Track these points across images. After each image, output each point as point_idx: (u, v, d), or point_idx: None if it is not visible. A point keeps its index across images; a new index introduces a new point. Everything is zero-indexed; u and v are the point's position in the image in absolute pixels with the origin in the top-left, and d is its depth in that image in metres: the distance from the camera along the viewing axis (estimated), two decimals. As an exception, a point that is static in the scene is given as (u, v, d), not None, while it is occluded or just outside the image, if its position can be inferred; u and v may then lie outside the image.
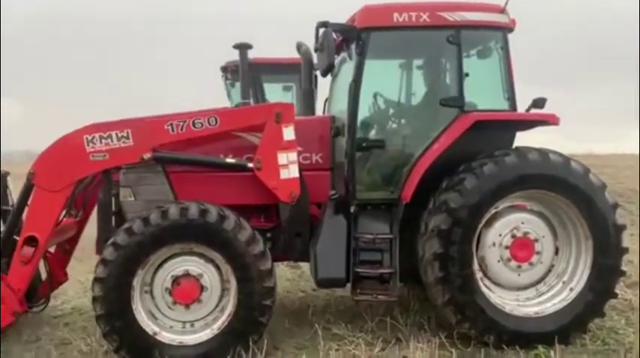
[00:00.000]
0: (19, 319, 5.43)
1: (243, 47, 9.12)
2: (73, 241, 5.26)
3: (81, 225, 5.22)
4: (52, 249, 5.15)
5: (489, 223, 4.51)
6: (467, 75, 4.68)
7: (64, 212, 4.60)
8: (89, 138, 4.33)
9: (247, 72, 9.25)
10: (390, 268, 4.54)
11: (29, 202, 4.44)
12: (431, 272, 4.38)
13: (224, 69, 10.32)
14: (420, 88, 5.36)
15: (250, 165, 4.50)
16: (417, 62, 5.36)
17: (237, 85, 9.88)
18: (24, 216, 4.53)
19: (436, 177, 4.51)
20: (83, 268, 7.66)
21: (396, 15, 4.61)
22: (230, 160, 4.56)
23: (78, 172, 4.42)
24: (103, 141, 4.33)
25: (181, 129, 4.45)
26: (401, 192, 4.68)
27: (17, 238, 4.41)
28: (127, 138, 4.36)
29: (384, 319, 4.86)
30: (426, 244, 4.39)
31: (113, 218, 4.64)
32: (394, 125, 5.37)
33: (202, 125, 4.47)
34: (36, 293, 5.00)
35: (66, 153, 4.36)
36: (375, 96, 5.20)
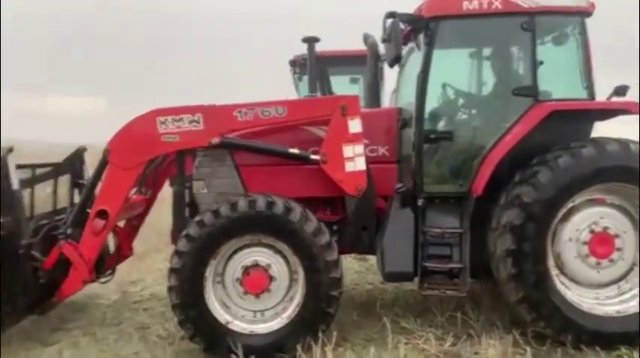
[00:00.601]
0: (103, 302, 5.83)
1: (311, 41, 9.19)
2: (141, 217, 5.57)
3: (149, 203, 5.51)
4: (120, 224, 5.44)
5: (565, 218, 4.31)
6: (541, 63, 4.48)
7: (134, 189, 4.86)
8: (162, 119, 4.51)
9: (315, 65, 9.32)
10: (460, 263, 4.44)
11: (103, 178, 4.69)
12: (503, 268, 4.24)
13: (292, 63, 10.45)
14: (490, 78, 5.18)
15: (313, 156, 4.54)
16: (488, 51, 5.19)
17: (305, 78, 9.98)
18: (97, 190, 4.78)
19: (508, 170, 4.36)
20: (160, 256, 8.07)
21: (465, 3, 4.48)
22: (293, 150, 4.61)
23: (149, 152, 4.63)
24: (175, 123, 4.51)
25: (249, 117, 4.56)
26: (471, 185, 4.56)
27: (89, 211, 4.67)
28: (198, 122, 4.51)
29: (454, 314, 4.77)
30: (498, 240, 4.26)
31: (187, 209, 4.84)
32: (463, 116, 5.23)
33: (270, 114, 4.56)
34: (103, 264, 5.28)
35: (139, 134, 4.57)
36: (443, 86, 5.08)
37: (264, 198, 4.29)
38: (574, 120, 4.48)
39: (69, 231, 4.63)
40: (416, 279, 4.55)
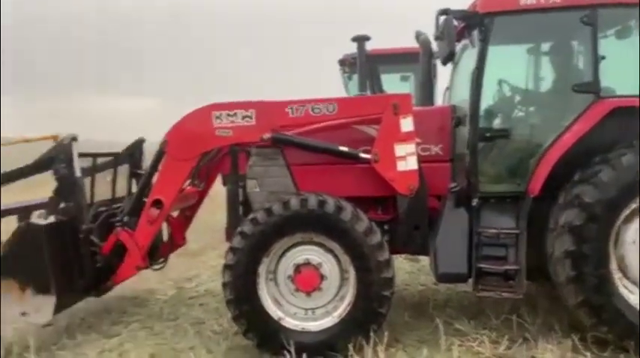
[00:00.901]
0: (161, 297, 6.03)
1: (361, 39, 9.17)
2: (194, 209, 5.71)
3: (202, 195, 5.65)
4: (174, 214, 5.62)
5: (629, 219, 4.11)
6: (603, 58, 4.30)
7: (188, 181, 4.99)
8: (217, 114, 4.62)
9: (365, 64, 9.30)
10: (516, 264, 4.32)
11: (159, 168, 4.85)
12: (562, 271, 4.10)
13: (342, 62, 10.46)
14: (548, 74, 5.03)
15: (364, 155, 4.52)
16: (546, 46, 5.03)
17: (355, 77, 9.98)
18: (154, 180, 4.94)
19: (567, 168, 4.20)
20: (215, 253, 8.28)
21: (522, -2, 4.35)
22: (343, 148, 4.61)
23: (204, 145, 4.75)
24: (229, 118, 4.61)
25: (300, 113, 4.61)
26: (528, 184, 4.42)
27: (146, 200, 4.84)
28: (251, 117, 4.60)
29: (509, 317, 4.65)
30: (557, 241, 4.12)
31: (240, 207, 4.94)
32: (520, 113, 5.09)
33: (320, 111, 4.60)
34: (157, 253, 5.46)
35: (195, 127, 4.69)
36: (499, 83, 4.96)
37: (315, 196, 4.31)
38: (637, 117, 4.27)
39: (126, 218, 4.83)
40: (470, 281, 4.46)
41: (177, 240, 5.72)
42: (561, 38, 4.83)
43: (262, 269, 4.35)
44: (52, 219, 4.64)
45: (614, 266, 4.12)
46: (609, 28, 4.56)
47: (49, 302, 4.41)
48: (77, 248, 4.67)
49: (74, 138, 4.71)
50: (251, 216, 4.40)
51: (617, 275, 4.13)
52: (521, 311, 4.81)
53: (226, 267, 4.34)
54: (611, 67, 4.36)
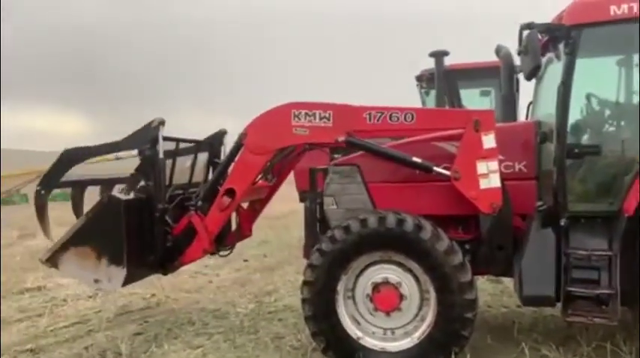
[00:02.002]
0: (241, 311, 6.19)
1: (439, 55, 9.09)
2: (263, 203, 5.84)
3: (272, 190, 5.78)
4: (244, 205, 5.75)
5: None
6: None
7: (261, 175, 5.11)
8: (296, 112, 4.69)
9: (443, 79, 9.20)
10: (609, 289, 4.05)
11: (236, 159, 4.97)
12: (660, 296, 3.81)
13: (419, 78, 10.41)
14: (641, 86, 4.71)
15: (437, 168, 4.46)
16: (638, 57, 4.72)
17: (432, 92, 9.88)
18: (229, 170, 5.08)
19: None
20: (292, 269, 8.42)
21: (613, 8, 4.13)
22: (417, 159, 4.55)
23: (280, 141, 4.84)
24: (307, 117, 4.67)
25: (378, 120, 4.61)
26: (622, 203, 4.16)
27: (220, 188, 4.98)
28: (328, 119, 4.64)
29: (602, 345, 4.37)
30: (655, 264, 3.84)
31: (318, 225, 4.99)
32: (611, 128, 4.80)
33: (398, 119, 4.58)
34: (224, 240, 5.59)
35: (274, 123, 4.78)
36: (587, 97, 4.72)
37: (394, 215, 4.29)
38: None
39: (199, 203, 4.99)
40: (558, 304, 4.24)
41: (244, 231, 5.85)
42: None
43: (341, 287, 4.36)
44: (131, 195, 4.91)
45: None
46: None
47: (120, 273, 4.64)
48: (151, 226, 4.89)
49: (162, 123, 4.93)
50: (329, 233, 4.44)
51: None
52: (616, 338, 4.50)
53: (305, 283, 4.39)
54: None
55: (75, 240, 4.76)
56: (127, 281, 4.79)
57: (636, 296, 4.11)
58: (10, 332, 5.68)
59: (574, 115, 4.52)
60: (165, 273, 5.32)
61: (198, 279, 8.10)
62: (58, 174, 5.19)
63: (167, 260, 5.06)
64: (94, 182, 5.47)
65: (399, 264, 4.32)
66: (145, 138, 4.91)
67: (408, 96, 10.95)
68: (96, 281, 4.77)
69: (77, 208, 5.54)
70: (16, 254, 10.96)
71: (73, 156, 5.14)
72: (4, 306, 6.65)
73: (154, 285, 7.61)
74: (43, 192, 5.17)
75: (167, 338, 5.31)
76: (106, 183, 5.42)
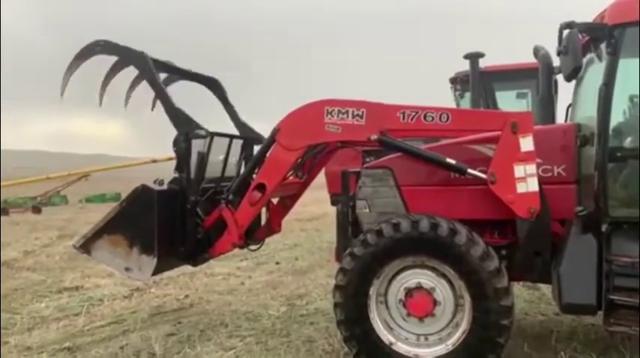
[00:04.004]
0: (273, 313, 6.20)
1: (474, 57, 8.95)
2: (294, 198, 5.81)
3: (303, 187, 5.75)
4: (274, 201, 5.73)
5: None
6: None
7: (292, 171, 5.09)
8: (329, 109, 4.63)
9: (478, 81, 9.05)
10: (654, 297, 3.90)
11: (268, 154, 4.96)
12: None
13: (453, 80, 10.28)
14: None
15: (472, 171, 4.37)
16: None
17: (467, 95, 9.73)
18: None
19: None
20: (323, 272, 8.42)
21: (656, 5, 3.99)
22: (450, 160, 4.46)
23: (312, 138, 4.80)
24: (340, 115, 4.61)
25: (412, 119, 4.52)
26: (667, 209, 4.00)
27: (251, 182, 4.97)
28: (361, 117, 4.58)
29: (645, 356, 4.21)
30: (703, 272, 3.66)
31: (350, 228, 4.95)
32: (655, 131, 4.62)
33: (433, 119, 4.49)
34: (253, 235, 5.56)
35: (306, 119, 4.73)
36: (630, 99, 4.55)
37: (427, 219, 4.22)
38: None
39: (230, 197, 4.98)
40: (599, 313, 4.09)
41: (273, 226, 5.84)
42: None
43: (373, 292, 4.32)
44: (165, 186, 4.96)
45: None
46: None
47: (150, 262, 4.70)
48: (183, 217, 4.93)
49: (209, 134, 4.99)
50: (361, 237, 4.40)
51: None
52: (660, 350, 4.32)
53: (337, 287, 4.36)
54: None
55: (108, 227, 4.84)
56: (157, 270, 4.85)
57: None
58: (48, 331, 5.83)
59: (616, 118, 4.36)
60: (194, 265, 5.36)
61: (231, 281, 8.17)
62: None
63: (197, 252, 5.09)
64: None
65: (433, 269, 4.25)
66: (185, 128, 4.92)
67: (443, 99, 10.82)
68: (127, 269, 4.82)
69: None
70: (55, 254, 11.28)
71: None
72: (44, 305, 6.84)
73: (187, 286, 7.73)
74: None
75: (200, 340, 5.36)
76: None
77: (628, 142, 4.54)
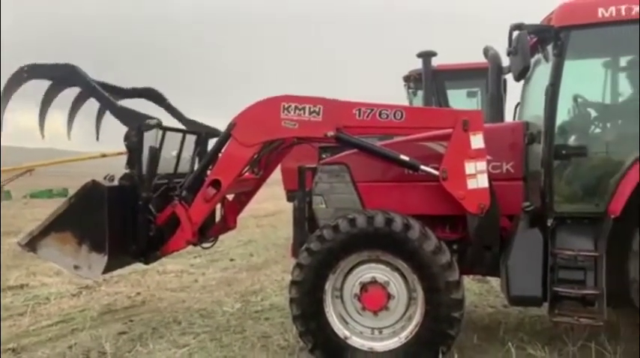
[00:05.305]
0: (227, 310, 6.15)
1: (426, 55, 9.12)
2: (249, 195, 5.78)
3: (259, 183, 5.73)
4: (229, 197, 5.69)
5: None
6: (691, 70, 4.05)
7: (247, 167, 5.05)
8: (286, 105, 4.62)
9: (431, 80, 9.23)
10: (595, 289, 4.09)
11: (223, 150, 4.89)
12: (645, 296, 3.85)
13: (407, 78, 10.45)
14: (627, 89, 4.76)
15: (424, 167, 4.47)
16: (625, 60, 4.78)
17: (420, 93, 9.92)
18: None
19: None
20: (278, 268, 8.41)
21: (601, 10, 4.18)
22: (404, 157, 4.55)
23: (269, 133, 4.76)
24: (297, 111, 4.60)
25: (367, 117, 4.56)
26: (608, 204, 4.19)
27: (205, 178, 4.91)
28: (318, 113, 4.58)
29: (587, 344, 4.41)
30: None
31: (306, 224, 4.97)
32: (598, 130, 4.85)
33: (388, 116, 4.54)
34: (207, 231, 5.51)
35: (263, 115, 4.70)
36: (575, 99, 4.76)
37: (382, 214, 4.28)
38: None
39: (184, 193, 4.90)
40: (545, 305, 4.27)
41: (228, 222, 5.79)
42: (642, 51, 4.58)
43: (329, 286, 4.35)
44: (115, 182, 4.83)
45: None
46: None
47: (101, 260, 4.57)
48: (135, 214, 4.82)
49: (159, 124, 4.88)
50: (317, 232, 4.43)
51: None
52: (601, 338, 4.55)
53: (293, 283, 4.37)
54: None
55: (56, 224, 4.68)
56: (108, 269, 4.73)
57: (622, 296, 4.16)
58: (-9, 331, 5.58)
59: (562, 117, 4.55)
60: (146, 263, 5.24)
61: (184, 278, 8.04)
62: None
63: (149, 249, 4.99)
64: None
65: (387, 264, 4.33)
66: (134, 122, 4.80)
67: (396, 97, 10.99)
68: (76, 267, 4.67)
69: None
70: (-3, 251, 10.79)
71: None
72: (-15, 305, 6.54)
73: (139, 284, 7.56)
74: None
75: (152, 338, 5.26)
76: None
77: (572, 140, 4.75)
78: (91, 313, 6.16)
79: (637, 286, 3.93)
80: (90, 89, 4.98)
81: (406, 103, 10.45)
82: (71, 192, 5.41)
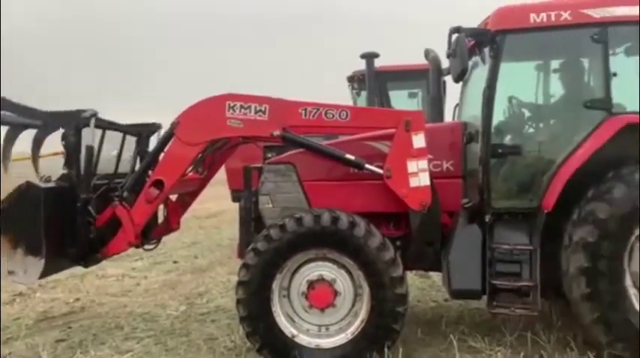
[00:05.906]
0: (172, 313, 6.03)
1: (370, 56, 9.28)
2: (193, 195, 5.70)
3: (203, 183, 5.66)
4: (173, 197, 5.59)
5: (644, 235, 4.10)
6: (614, 75, 4.34)
7: (191, 166, 4.99)
8: (231, 104, 4.58)
9: (374, 80, 9.40)
10: (530, 281, 4.31)
11: (166, 149, 4.81)
12: (576, 287, 4.09)
13: (350, 78, 10.58)
14: (559, 91, 5.06)
15: (369, 166, 4.55)
16: (557, 63, 5.06)
17: (364, 93, 10.08)
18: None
19: (580, 185, 4.21)
20: (224, 270, 8.30)
21: (533, 15, 4.41)
22: (350, 156, 4.61)
23: (213, 133, 4.71)
24: (243, 110, 4.57)
25: (313, 116, 4.60)
26: (541, 200, 4.43)
27: (147, 178, 4.82)
28: (264, 112, 4.58)
29: (524, 334, 4.63)
30: (571, 257, 4.11)
31: (252, 224, 4.95)
32: (531, 130, 5.10)
33: (333, 116, 4.60)
34: (150, 233, 5.38)
35: (207, 113, 4.64)
36: (510, 100, 4.99)
37: (329, 213, 4.33)
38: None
39: (125, 194, 4.78)
40: (484, 297, 4.46)
41: (171, 224, 5.67)
42: (572, 55, 4.86)
43: (276, 286, 4.35)
44: (52, 183, 4.64)
45: (629, 282, 4.10)
46: (619, 45, 4.59)
47: (37, 265, 4.38)
48: (73, 216, 4.65)
49: (94, 114, 4.68)
50: (264, 232, 4.42)
51: (632, 292, 4.10)
52: (536, 328, 4.78)
53: (240, 283, 4.34)
54: (621, 83, 4.38)
55: None
56: (45, 273, 4.53)
57: (555, 288, 4.40)
58: None
59: (498, 117, 4.77)
60: (86, 266, 5.06)
61: (125, 282, 7.79)
62: None
63: (89, 252, 4.83)
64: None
65: (334, 261, 4.37)
66: (71, 122, 4.64)
67: (341, 97, 11.12)
68: (10, 273, 4.45)
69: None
70: None
71: None
72: None
73: (77, 289, 7.27)
74: None
75: (93, 344, 5.08)
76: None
77: (508, 140, 4.98)
78: (26, 321, 5.87)
79: (569, 278, 4.15)
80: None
81: (350, 103, 10.60)
82: (3, 195, 5.14)
